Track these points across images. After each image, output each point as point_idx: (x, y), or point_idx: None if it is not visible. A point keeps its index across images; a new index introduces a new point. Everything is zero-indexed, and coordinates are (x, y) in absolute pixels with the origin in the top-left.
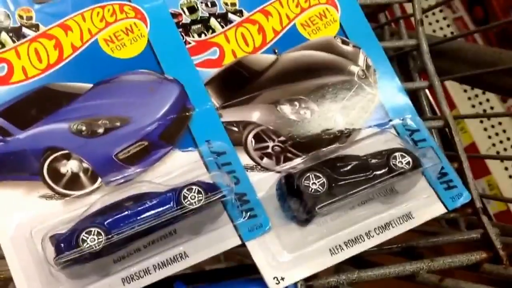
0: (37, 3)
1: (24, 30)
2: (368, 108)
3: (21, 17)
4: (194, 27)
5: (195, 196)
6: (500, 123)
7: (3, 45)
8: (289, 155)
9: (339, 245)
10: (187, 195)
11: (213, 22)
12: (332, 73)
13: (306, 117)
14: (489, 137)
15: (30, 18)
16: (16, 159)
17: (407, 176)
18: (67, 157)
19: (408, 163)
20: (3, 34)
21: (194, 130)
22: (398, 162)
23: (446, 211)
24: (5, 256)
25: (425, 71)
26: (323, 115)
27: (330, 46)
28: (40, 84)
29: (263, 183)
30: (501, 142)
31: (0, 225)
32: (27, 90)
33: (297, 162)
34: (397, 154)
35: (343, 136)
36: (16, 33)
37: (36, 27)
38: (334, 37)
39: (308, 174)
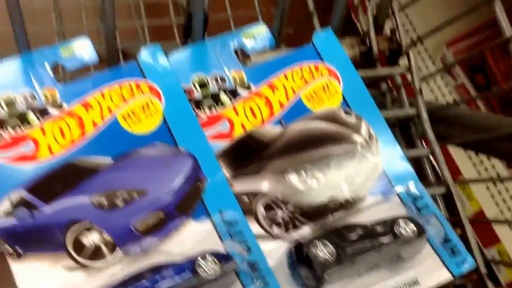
0: (61, 82)
1: (49, 109)
2: (372, 176)
3: (46, 96)
4: (205, 102)
5: (210, 266)
6: (507, 190)
7: (30, 124)
8: (297, 223)
9: None
10: (202, 265)
11: (223, 96)
12: (336, 142)
13: (313, 186)
14: (497, 204)
15: (54, 97)
16: (42, 232)
17: (412, 243)
18: (89, 229)
19: (412, 230)
20: (30, 113)
21: (206, 200)
22: (403, 229)
23: (452, 277)
24: None
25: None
26: (329, 184)
27: (334, 116)
28: (64, 160)
29: (274, 251)
30: (509, 209)
31: None
32: (52, 166)
33: (306, 230)
34: (401, 221)
35: (349, 203)
36: (42, 112)
37: (60, 106)
38: (337, 108)
39: (317, 242)
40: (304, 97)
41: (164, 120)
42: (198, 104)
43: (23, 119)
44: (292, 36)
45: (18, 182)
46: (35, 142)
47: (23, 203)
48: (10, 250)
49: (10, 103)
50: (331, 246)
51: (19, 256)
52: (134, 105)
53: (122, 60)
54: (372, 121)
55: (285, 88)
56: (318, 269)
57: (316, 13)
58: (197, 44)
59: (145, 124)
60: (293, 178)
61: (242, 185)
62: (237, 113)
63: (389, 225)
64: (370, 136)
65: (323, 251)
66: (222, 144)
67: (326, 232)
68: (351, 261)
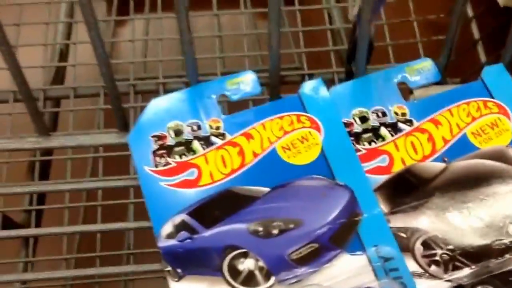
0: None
1: (212, 138)
2: None
3: (210, 127)
4: (365, 135)
5: None
6: None
7: (195, 152)
8: (457, 264)
9: None
10: None
11: (383, 131)
12: (503, 181)
13: (476, 225)
14: None
15: (218, 128)
16: (201, 256)
17: None
18: (245, 255)
19: None
20: (195, 142)
21: (362, 234)
22: None
23: None
24: None
25: None
26: (493, 224)
27: (502, 155)
28: (224, 188)
29: None
30: None
31: None
32: (212, 192)
33: (467, 272)
34: None
35: None
36: (206, 141)
37: (223, 136)
38: (506, 146)
39: (479, 287)
40: (470, 133)
41: (323, 152)
42: (357, 137)
43: (189, 147)
44: (452, 63)
45: (181, 206)
46: (199, 169)
47: (185, 226)
48: (172, 271)
49: (178, 132)
50: None
51: (180, 277)
52: (293, 137)
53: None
54: None
55: (449, 124)
56: None
57: (481, 41)
58: (359, 79)
59: (303, 156)
60: (454, 216)
61: (400, 221)
62: (397, 148)
63: None
64: None
65: None
66: (381, 179)
67: (490, 276)
68: None
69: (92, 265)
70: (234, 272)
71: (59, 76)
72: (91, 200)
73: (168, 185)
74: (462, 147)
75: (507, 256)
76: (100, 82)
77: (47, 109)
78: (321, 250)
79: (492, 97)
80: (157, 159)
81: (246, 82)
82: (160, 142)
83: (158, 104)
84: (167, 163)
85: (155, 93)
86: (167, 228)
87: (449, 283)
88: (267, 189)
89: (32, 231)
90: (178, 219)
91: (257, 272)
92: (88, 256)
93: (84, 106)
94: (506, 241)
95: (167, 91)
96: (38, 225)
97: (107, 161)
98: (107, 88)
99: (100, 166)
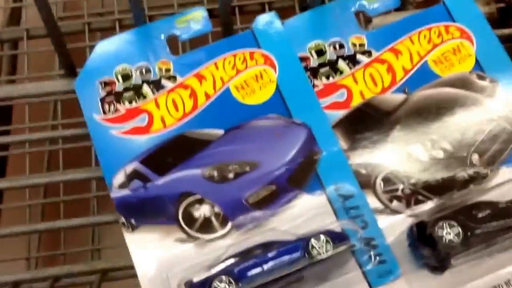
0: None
1: (163, 81)
2: (507, 147)
3: (160, 69)
4: (322, 70)
5: (323, 246)
6: None
7: (145, 97)
8: (420, 197)
9: None
10: (315, 244)
11: (341, 64)
12: (467, 110)
13: (439, 157)
14: None
15: (168, 70)
16: (155, 204)
17: None
18: (200, 201)
19: None
20: (145, 86)
21: (321, 173)
22: None
23: None
24: None
25: None
26: (457, 155)
27: (465, 82)
28: (176, 133)
29: (393, 227)
30: None
31: (141, 267)
32: (165, 138)
33: (429, 206)
34: None
35: (479, 177)
36: (156, 85)
37: (173, 78)
38: (469, 72)
39: (442, 223)
40: (432, 61)
41: (278, 90)
42: (314, 72)
43: (138, 92)
44: None
45: (133, 154)
46: (150, 114)
47: (137, 175)
48: (126, 222)
49: (126, 76)
50: (458, 227)
51: (134, 228)
52: (247, 75)
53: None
54: (509, 86)
55: (410, 52)
56: (443, 252)
57: None
58: (314, 9)
59: (258, 95)
60: (417, 149)
61: (360, 157)
62: (356, 81)
63: None
64: (507, 102)
65: (449, 233)
66: (339, 114)
67: (453, 210)
68: (480, 243)
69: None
70: (190, 219)
71: (14, 18)
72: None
73: (118, 132)
74: (423, 76)
75: (471, 187)
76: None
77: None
78: (279, 192)
79: (454, 21)
80: (106, 106)
81: (196, 20)
82: (108, 88)
83: (105, 47)
84: (117, 110)
85: (112, 31)
86: (119, 177)
87: (411, 218)
88: (221, 132)
89: None
90: (130, 167)
91: (213, 218)
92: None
93: (38, 49)
94: (470, 171)
95: (124, 28)
96: None
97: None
98: (47, 28)
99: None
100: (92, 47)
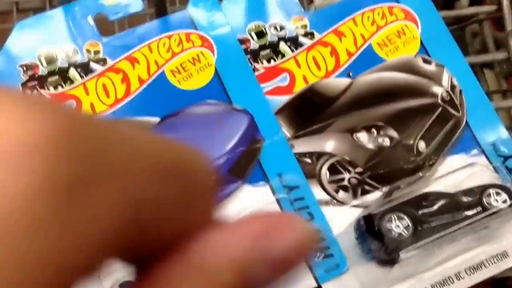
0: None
1: (92, 65)
2: (454, 134)
3: (88, 51)
4: (262, 52)
5: None
6: None
7: (72, 81)
8: (367, 187)
9: None
10: None
11: (283, 46)
12: (413, 95)
13: (385, 145)
14: None
15: (97, 52)
16: None
17: (503, 214)
18: None
19: (504, 201)
20: (72, 70)
21: (264, 163)
22: (493, 200)
23: None
24: None
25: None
26: (403, 143)
27: (410, 66)
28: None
29: (340, 218)
30: None
31: None
32: None
33: (377, 196)
34: (491, 191)
35: (426, 165)
36: (84, 69)
37: (103, 61)
38: (414, 56)
39: (391, 215)
40: (376, 44)
41: (217, 73)
42: (254, 55)
43: (65, 76)
44: None
45: None
46: (78, 100)
47: None
48: None
49: (51, 60)
50: (407, 219)
51: None
52: (183, 58)
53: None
54: (455, 70)
55: (353, 34)
56: (392, 245)
57: None
58: None
59: (196, 79)
60: (362, 136)
61: (304, 146)
62: (298, 65)
63: (477, 195)
64: (452, 87)
65: (398, 226)
66: (282, 100)
67: (401, 202)
68: (430, 236)
69: None
70: None
71: None
72: None
73: None
74: (368, 59)
75: (419, 174)
76: None
77: None
78: (220, 183)
79: (398, 2)
80: (28, 92)
81: None
82: (30, 72)
83: (26, 27)
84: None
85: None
86: None
87: (358, 209)
88: (157, 120)
89: None
90: None
91: None
92: None
93: None
94: (418, 161)
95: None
96: None
97: None
98: None
99: None
100: None
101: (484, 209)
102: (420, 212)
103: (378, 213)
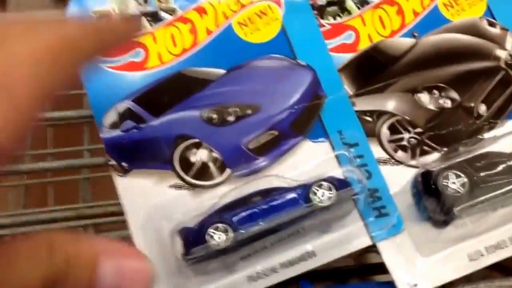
0: None
1: (161, 13)
2: None
3: (159, 0)
4: (329, 9)
5: (325, 193)
6: None
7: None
8: (426, 148)
9: (479, 250)
10: (316, 191)
11: (349, 3)
12: (476, 58)
13: (446, 106)
14: None
15: (167, 1)
16: (149, 147)
17: None
18: (197, 146)
19: None
20: (142, 18)
21: (325, 119)
22: None
23: None
24: (135, 245)
25: None
26: (464, 104)
27: (475, 28)
28: (174, 70)
29: (397, 178)
30: None
31: (132, 214)
32: (161, 76)
33: (435, 157)
34: None
35: (486, 128)
36: (154, 17)
37: (172, 11)
38: (480, 18)
39: (448, 172)
40: (442, 5)
41: (283, 28)
42: (321, 11)
43: None
44: None
45: (126, 92)
46: (146, 49)
47: (130, 114)
48: (117, 165)
49: (123, 7)
50: (464, 176)
51: (125, 172)
52: (251, 11)
53: None
54: None
55: None
56: (448, 202)
57: None
58: None
59: (262, 33)
60: (423, 97)
61: (366, 104)
62: (364, 23)
63: None
64: None
65: (455, 183)
66: (346, 57)
67: (460, 161)
68: (486, 195)
69: None
70: (186, 164)
71: None
72: None
73: (111, 67)
74: (434, 20)
75: (479, 137)
76: None
77: None
78: (281, 137)
79: None
80: None
81: None
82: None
83: None
84: None
85: None
86: (111, 116)
87: (415, 170)
88: (222, 71)
89: None
90: (122, 106)
91: (211, 164)
92: None
93: None
94: (478, 123)
95: None
96: None
97: None
98: None
99: None
100: None
101: None
102: (477, 171)
103: (436, 170)
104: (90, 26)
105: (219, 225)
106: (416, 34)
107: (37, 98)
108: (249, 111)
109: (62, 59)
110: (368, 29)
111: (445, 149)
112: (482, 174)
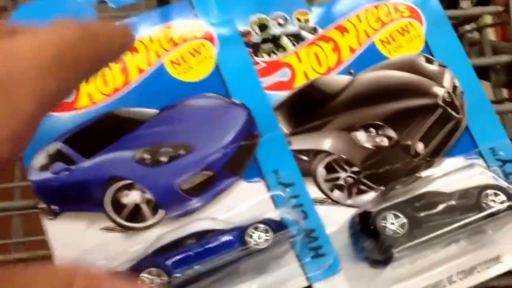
0: None
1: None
2: (453, 135)
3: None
4: (264, 46)
5: (261, 236)
6: None
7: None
8: (362, 187)
9: None
10: (252, 234)
11: (285, 40)
12: (413, 95)
13: (383, 145)
14: None
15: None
16: (80, 189)
17: (500, 217)
18: (130, 187)
19: (502, 202)
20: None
21: (261, 159)
22: (491, 201)
23: None
24: None
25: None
26: (401, 143)
27: (412, 65)
28: (105, 110)
29: (334, 217)
30: None
31: (62, 258)
32: (92, 116)
33: (372, 196)
34: (489, 192)
35: (424, 166)
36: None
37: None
38: (417, 54)
39: (386, 213)
40: (379, 41)
41: (217, 66)
42: (255, 48)
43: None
44: None
45: (56, 133)
46: (76, 89)
47: (60, 156)
48: (46, 208)
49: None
50: (403, 217)
51: (55, 215)
52: (184, 50)
53: None
54: (458, 71)
55: (357, 31)
56: (387, 243)
57: None
58: None
59: (195, 71)
60: (360, 135)
61: (302, 143)
62: (299, 60)
63: (475, 196)
64: (454, 88)
65: (394, 223)
66: (281, 95)
67: (399, 202)
68: (425, 236)
69: None
70: (118, 206)
71: None
72: None
73: None
74: (370, 57)
75: (416, 175)
76: None
77: None
78: (216, 178)
79: None
80: None
81: None
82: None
83: None
84: None
85: None
86: (40, 158)
87: (352, 209)
88: (155, 111)
89: None
90: (52, 148)
91: (143, 206)
92: None
93: None
94: (416, 161)
95: None
96: None
97: None
98: None
99: None
100: None
101: (481, 210)
102: (416, 211)
103: (374, 211)
104: (90, 30)
105: (152, 269)
106: (352, 71)
107: (37, 102)
108: (182, 151)
109: (64, 62)
110: (304, 66)
111: (382, 188)
112: (421, 214)
